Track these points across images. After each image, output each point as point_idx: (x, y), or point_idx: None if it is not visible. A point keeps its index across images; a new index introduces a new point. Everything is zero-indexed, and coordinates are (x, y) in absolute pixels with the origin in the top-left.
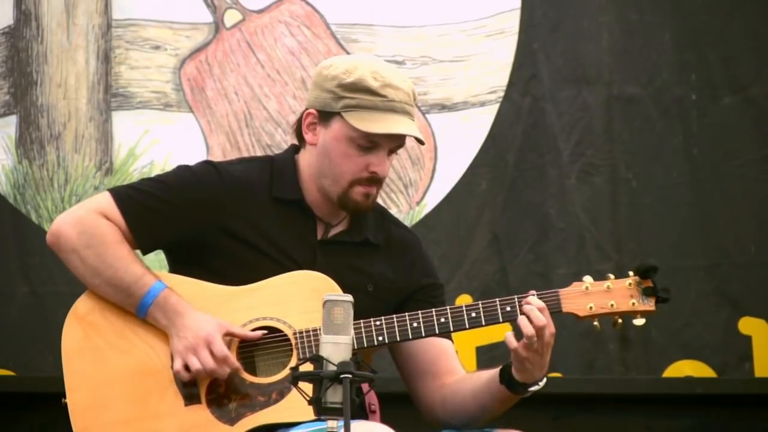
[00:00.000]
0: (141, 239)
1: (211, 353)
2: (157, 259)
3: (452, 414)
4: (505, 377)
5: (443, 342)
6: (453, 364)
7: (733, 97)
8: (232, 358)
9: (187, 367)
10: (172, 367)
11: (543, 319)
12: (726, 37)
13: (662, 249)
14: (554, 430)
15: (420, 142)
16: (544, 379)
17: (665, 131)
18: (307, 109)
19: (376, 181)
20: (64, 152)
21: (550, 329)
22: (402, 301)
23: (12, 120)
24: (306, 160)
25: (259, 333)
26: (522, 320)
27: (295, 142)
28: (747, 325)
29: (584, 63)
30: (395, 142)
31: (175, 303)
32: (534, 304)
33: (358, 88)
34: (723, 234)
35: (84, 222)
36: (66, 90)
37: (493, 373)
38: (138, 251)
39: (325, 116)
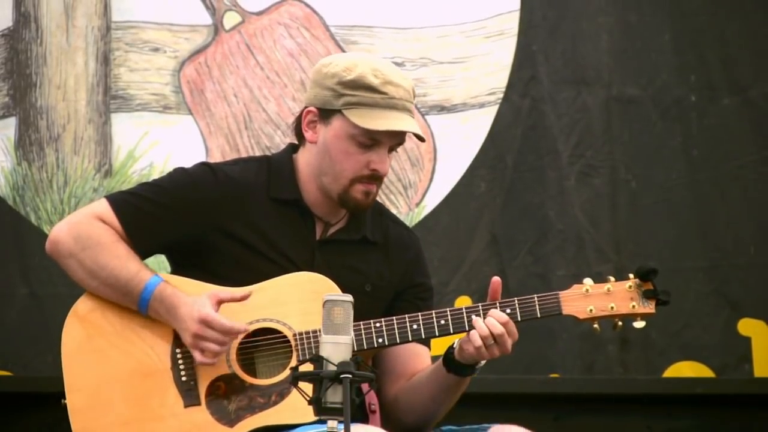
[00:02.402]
0: (139, 243)
1: (214, 330)
2: (159, 260)
3: (404, 411)
4: (451, 365)
5: (418, 347)
6: (421, 369)
7: (732, 99)
8: (237, 324)
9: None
10: (171, 369)
11: (509, 345)
12: (725, 38)
13: (661, 250)
14: (554, 430)
15: (420, 139)
16: None
17: (664, 132)
18: (306, 107)
19: (376, 178)
20: (63, 154)
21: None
22: (394, 297)
23: (11, 122)
24: (305, 158)
25: (247, 291)
26: (485, 336)
27: (295, 141)
28: (746, 326)
29: (583, 64)
30: (396, 139)
31: (171, 295)
32: (496, 318)
33: (358, 85)
34: (722, 235)
35: (80, 227)
36: (65, 92)
37: (437, 363)
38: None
39: (325, 114)
